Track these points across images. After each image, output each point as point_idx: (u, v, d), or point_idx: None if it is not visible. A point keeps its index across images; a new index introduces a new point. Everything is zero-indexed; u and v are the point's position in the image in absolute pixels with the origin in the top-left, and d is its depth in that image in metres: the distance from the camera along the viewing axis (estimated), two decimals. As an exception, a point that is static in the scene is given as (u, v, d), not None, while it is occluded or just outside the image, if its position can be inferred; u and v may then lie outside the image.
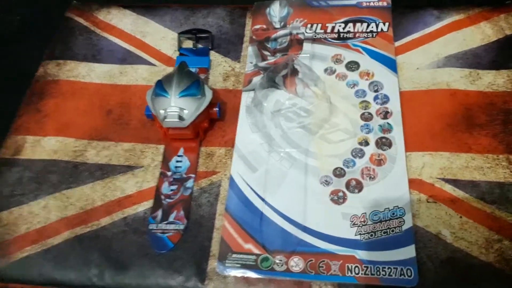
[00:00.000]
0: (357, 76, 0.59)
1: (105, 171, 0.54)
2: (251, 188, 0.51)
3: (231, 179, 0.52)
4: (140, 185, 0.53)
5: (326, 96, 0.57)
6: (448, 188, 0.48)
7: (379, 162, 0.51)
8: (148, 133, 0.57)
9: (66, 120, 0.59)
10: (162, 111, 0.51)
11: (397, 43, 0.61)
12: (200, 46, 0.64)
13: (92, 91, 0.61)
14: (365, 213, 0.48)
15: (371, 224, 0.47)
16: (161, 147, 0.55)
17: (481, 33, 0.61)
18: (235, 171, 0.52)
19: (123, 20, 0.68)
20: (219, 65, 0.62)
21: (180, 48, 0.64)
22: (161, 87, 0.52)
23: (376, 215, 0.47)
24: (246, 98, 0.58)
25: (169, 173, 0.53)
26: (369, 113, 0.55)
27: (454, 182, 0.48)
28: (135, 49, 0.65)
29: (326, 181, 0.51)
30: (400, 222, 0.46)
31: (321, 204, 0.49)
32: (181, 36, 0.65)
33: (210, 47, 0.64)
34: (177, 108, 0.51)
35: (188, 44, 0.65)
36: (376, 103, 0.56)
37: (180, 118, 0.50)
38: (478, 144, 0.51)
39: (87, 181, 0.54)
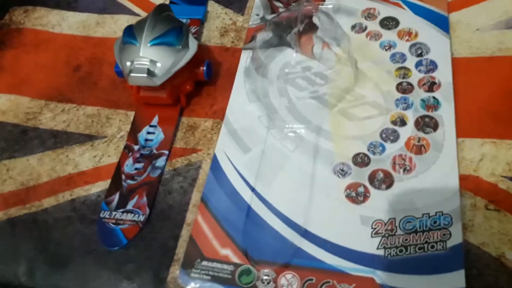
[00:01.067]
0: (394, 35, 0.44)
1: (59, 139, 0.42)
2: (239, 173, 0.38)
3: (214, 159, 0.39)
4: (99, 159, 0.41)
5: (352, 60, 0.43)
6: (520, 192, 0.33)
7: (419, 149, 0.37)
8: (118, 96, 0.45)
9: (23, 76, 0.47)
10: (128, 64, 0.39)
11: (452, -3, 0.46)
12: (197, -6, 0.51)
13: (60, 44, 0.50)
14: (394, 218, 0.34)
15: (402, 234, 0.33)
16: (132, 114, 0.43)
17: None
18: (221, 149, 0.39)
19: (111, -37, 0.56)
20: (218, 18, 0.49)
21: (172, -5, 0.51)
22: (130, 32, 0.39)
23: (410, 222, 0.33)
24: (246, 58, 0.45)
25: (136, 147, 0.40)
26: (409, 84, 0.41)
27: (529, 184, 0.34)
28: (118, -4, 0.53)
29: (342, 170, 0.37)
30: (444, 235, 0.32)
31: (332, 201, 0.35)
32: (175, -19, 0.52)
33: (208, -4, 0.51)
34: (147, 60, 0.38)
35: (183, -8, 0.52)
36: (419, 70, 0.41)
37: (150, 73, 0.38)
38: None
39: (35, 151, 0.42)
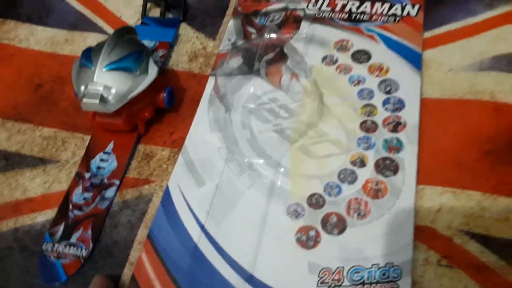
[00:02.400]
0: (365, 70, 0.43)
1: (11, 161, 0.41)
2: (190, 209, 0.36)
3: (166, 192, 0.37)
4: (49, 186, 0.39)
5: (318, 93, 0.42)
6: (474, 248, 0.32)
7: (376, 193, 0.35)
8: (77, 118, 0.43)
9: (-17, 92, 0.46)
10: (82, 88, 0.37)
11: (427, 34, 0.45)
12: (170, 16, 0.50)
13: (25, 59, 0.49)
14: (343, 267, 0.32)
15: (349, 286, 0.31)
16: (88, 139, 0.42)
17: (547, 30, 0.43)
18: (175, 181, 0.38)
19: (88, -22, 0.56)
20: (188, 42, 0.48)
21: (144, 16, 0.50)
22: (87, 55, 0.38)
23: (358, 272, 0.32)
24: (212, 85, 0.44)
25: (87, 175, 0.39)
26: (373, 122, 0.39)
27: (485, 240, 0.32)
28: (91, 14, 0.52)
29: (296, 211, 0.35)
30: (392, 289, 0.31)
31: (282, 244, 0.34)
32: (148, 1, 0.51)
33: (181, 18, 0.50)
34: (101, 85, 0.37)
35: (158, 13, 0.51)
36: (386, 109, 0.40)
37: (103, 99, 0.36)
38: (528, 185, 0.34)
39: (-14, 173, 0.41)
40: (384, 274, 0.31)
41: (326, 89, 0.42)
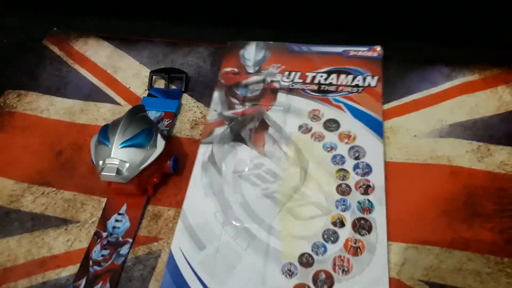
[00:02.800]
0: (336, 137, 0.49)
1: (36, 222, 0.47)
2: (194, 272, 0.41)
3: (170, 257, 0.42)
4: (71, 244, 0.45)
5: (300, 159, 0.48)
6: (432, 297, 0.38)
7: (356, 250, 0.41)
8: (94, 182, 0.50)
9: (11, 158, 0.53)
10: (100, 162, 0.44)
11: (396, 102, 0.53)
12: (173, 87, 0.58)
13: (46, 128, 0.55)
14: (330, 319, 0.38)
15: (332, 333, 0.37)
16: (104, 201, 0.48)
17: (497, 99, 0.51)
18: (177, 245, 0.43)
19: (99, 52, 0.63)
20: (190, 111, 0.55)
21: (150, 87, 0.58)
22: (104, 133, 0.45)
23: (342, 321, 0.38)
24: (204, 152, 0.50)
25: (104, 234, 0.45)
26: (347, 186, 0.46)
27: (441, 289, 0.38)
28: (103, 85, 0.59)
29: (290, 270, 0.41)
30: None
31: (280, 303, 0.39)
32: (153, 75, 0.58)
33: (183, 89, 0.57)
34: (117, 160, 0.43)
35: (162, 84, 0.58)
36: (356, 173, 0.46)
37: (119, 172, 0.43)
38: (478, 241, 0.41)
39: (15, 233, 0.47)
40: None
41: (305, 155, 0.48)
